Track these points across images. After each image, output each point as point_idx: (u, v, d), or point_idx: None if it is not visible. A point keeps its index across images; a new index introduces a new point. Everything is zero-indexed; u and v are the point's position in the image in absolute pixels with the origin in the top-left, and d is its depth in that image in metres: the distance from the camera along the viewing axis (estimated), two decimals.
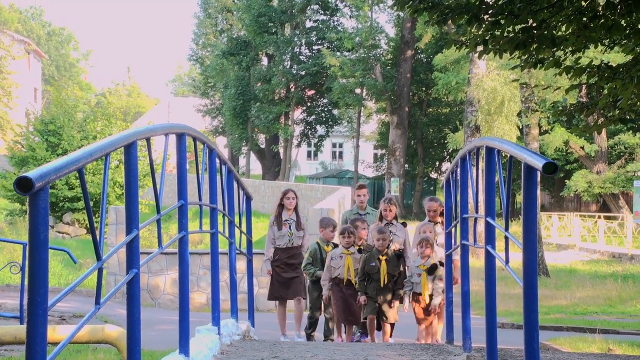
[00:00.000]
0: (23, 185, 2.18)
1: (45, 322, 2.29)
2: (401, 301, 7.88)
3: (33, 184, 2.19)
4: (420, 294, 7.80)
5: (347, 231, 8.19)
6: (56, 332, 5.99)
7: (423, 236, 7.97)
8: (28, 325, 2.28)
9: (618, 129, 31.61)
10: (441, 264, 7.70)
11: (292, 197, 8.89)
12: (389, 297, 7.93)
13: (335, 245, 8.47)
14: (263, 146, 47.78)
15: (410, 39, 35.44)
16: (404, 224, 8.58)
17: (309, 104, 44.92)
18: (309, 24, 43.88)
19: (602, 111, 7.87)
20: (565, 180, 33.54)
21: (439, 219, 8.13)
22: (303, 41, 43.26)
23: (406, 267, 8.05)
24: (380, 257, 7.99)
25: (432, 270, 7.78)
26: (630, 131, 31.90)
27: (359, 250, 8.17)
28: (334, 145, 61.82)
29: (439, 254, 7.77)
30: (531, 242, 3.29)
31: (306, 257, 8.50)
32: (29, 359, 2.27)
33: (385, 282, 7.90)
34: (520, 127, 22.83)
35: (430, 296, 7.78)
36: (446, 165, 42.07)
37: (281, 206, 8.87)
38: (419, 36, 33.29)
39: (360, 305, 7.98)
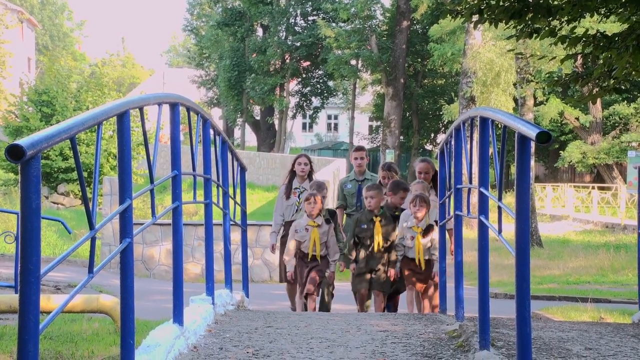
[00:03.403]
0: (14, 153, 2.17)
1: (37, 289, 2.29)
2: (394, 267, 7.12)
3: (24, 151, 2.18)
4: (413, 260, 7.03)
5: (314, 197, 7.26)
6: (51, 302, 6.02)
7: (417, 193, 7.09)
8: (20, 293, 2.28)
9: (613, 100, 31.62)
10: (436, 222, 6.97)
11: (305, 163, 7.96)
12: (382, 265, 7.13)
13: (333, 212, 7.65)
14: (258, 118, 47.66)
15: (406, 9, 35.21)
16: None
17: (304, 76, 44.74)
18: None
19: (597, 81, 7.85)
20: (560, 152, 33.59)
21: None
22: (298, 12, 42.98)
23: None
24: (374, 217, 7.08)
25: (427, 232, 7.01)
26: (625, 101, 31.90)
27: (327, 221, 7.35)
28: (329, 117, 61.71)
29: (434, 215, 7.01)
30: (524, 212, 3.30)
31: None
32: (22, 326, 2.28)
33: (380, 246, 7.07)
34: (516, 99, 22.81)
35: (428, 261, 7.05)
36: (441, 137, 42.00)
37: (293, 173, 7.99)
38: (415, 7, 33.07)
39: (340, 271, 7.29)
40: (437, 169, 7.44)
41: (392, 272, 7.16)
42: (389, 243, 7.16)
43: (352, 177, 8.10)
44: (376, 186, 7.31)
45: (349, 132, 42.71)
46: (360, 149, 8.16)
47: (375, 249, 7.11)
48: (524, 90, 20.83)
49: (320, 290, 7.55)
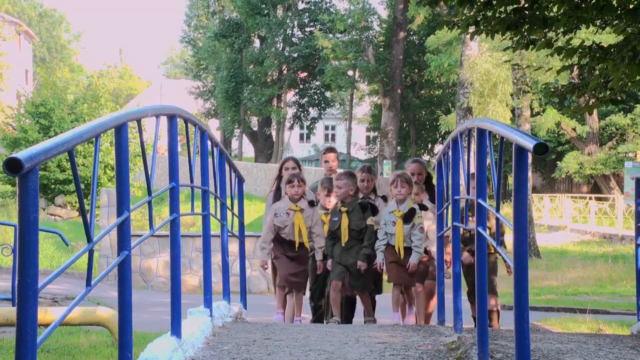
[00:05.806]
0: (12, 167, 2.17)
1: (35, 303, 2.29)
2: (369, 261, 6.61)
3: (22, 165, 2.18)
4: (394, 247, 6.50)
5: (297, 178, 6.81)
6: (48, 314, 6.00)
7: (398, 173, 6.55)
8: (18, 306, 2.27)
9: (609, 110, 31.71)
10: (422, 207, 6.55)
11: (292, 167, 7.37)
12: (354, 258, 6.65)
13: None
14: (255, 129, 47.68)
15: (402, 20, 35.31)
16: (384, 198, 7.11)
17: (301, 86, 44.81)
18: (301, 5, 43.69)
19: (593, 92, 7.89)
20: (557, 162, 33.64)
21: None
22: (295, 23, 43.07)
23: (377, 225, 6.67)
24: (342, 208, 6.68)
25: (409, 217, 6.47)
26: (621, 112, 31.99)
27: (311, 203, 6.83)
28: (326, 128, 61.75)
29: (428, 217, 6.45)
30: (522, 223, 3.30)
31: None
32: (19, 340, 2.27)
33: (346, 239, 6.63)
34: (513, 109, 22.87)
35: (408, 250, 6.50)
36: (438, 148, 42.08)
37: (281, 179, 7.47)
38: (412, 18, 33.17)
39: (321, 269, 6.85)
40: (429, 172, 7.17)
41: (361, 264, 6.68)
42: (360, 235, 6.68)
43: None
44: (345, 173, 6.83)
45: (347, 142, 42.74)
46: (331, 149, 7.59)
47: (342, 241, 6.70)
48: (520, 101, 20.89)
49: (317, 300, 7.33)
